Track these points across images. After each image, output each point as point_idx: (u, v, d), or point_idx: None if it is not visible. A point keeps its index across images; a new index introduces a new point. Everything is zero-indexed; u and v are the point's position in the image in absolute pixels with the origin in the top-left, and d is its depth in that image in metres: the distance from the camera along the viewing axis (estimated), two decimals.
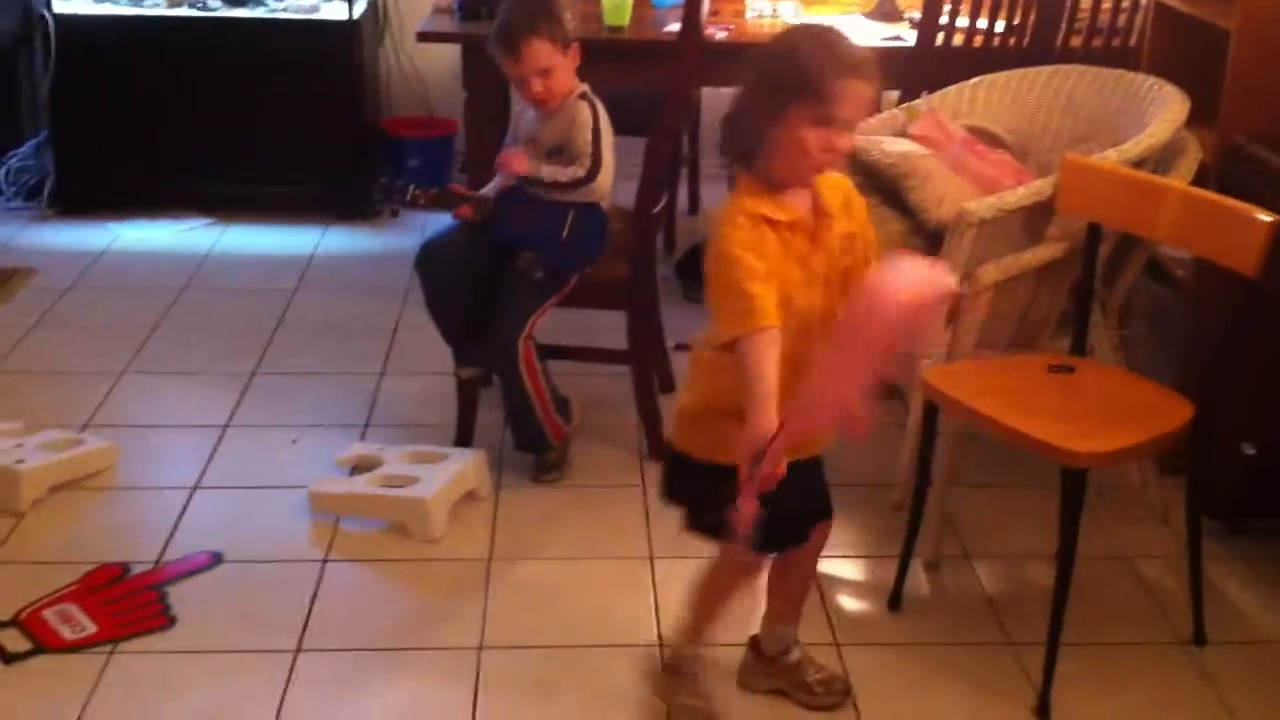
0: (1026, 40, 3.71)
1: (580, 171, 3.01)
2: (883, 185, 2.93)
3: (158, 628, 2.60)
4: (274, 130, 4.73)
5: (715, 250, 2.03)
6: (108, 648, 2.53)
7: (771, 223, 2.03)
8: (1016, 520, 3.04)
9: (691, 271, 4.32)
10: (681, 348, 3.95)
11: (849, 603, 2.76)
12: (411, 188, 3.11)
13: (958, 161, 2.92)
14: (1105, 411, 2.50)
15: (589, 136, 3.01)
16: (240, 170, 4.78)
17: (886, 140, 3.03)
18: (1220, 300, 2.92)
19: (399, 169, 4.96)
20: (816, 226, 2.07)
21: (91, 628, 2.58)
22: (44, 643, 2.54)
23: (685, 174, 5.00)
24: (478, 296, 3.10)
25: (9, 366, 3.70)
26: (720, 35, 3.84)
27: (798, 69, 1.97)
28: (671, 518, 2.29)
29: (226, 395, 3.54)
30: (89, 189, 4.80)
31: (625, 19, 3.83)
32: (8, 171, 4.90)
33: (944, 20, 3.70)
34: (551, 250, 3.05)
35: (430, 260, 3.15)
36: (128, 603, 2.66)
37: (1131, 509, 3.06)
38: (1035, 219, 2.78)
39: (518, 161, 3.05)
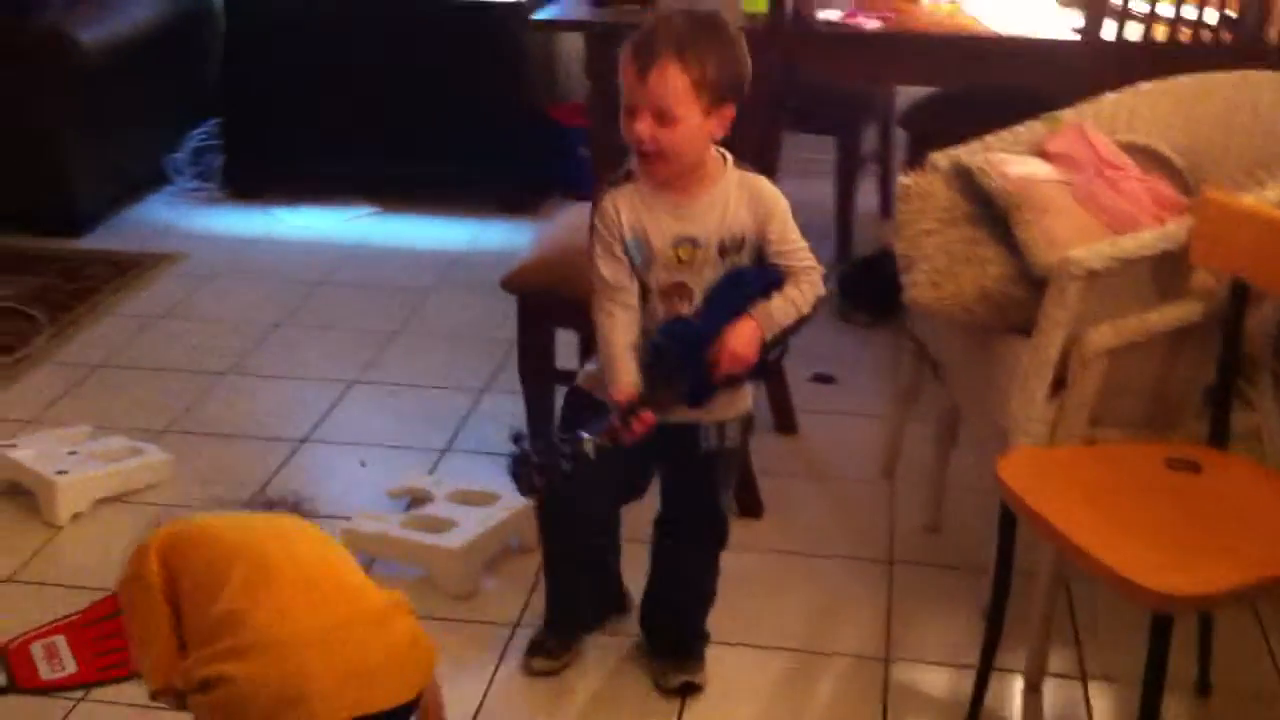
0: (1230, 35, 3.09)
1: (815, 278, 2.17)
2: (1000, 217, 2.44)
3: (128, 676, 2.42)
4: (440, 116, 4.54)
5: None
6: (79, 693, 2.37)
7: None
8: None
9: (856, 288, 3.86)
10: (822, 379, 3.54)
11: None
12: (585, 438, 2.04)
13: (1084, 191, 2.40)
14: (1221, 531, 1.97)
15: (790, 223, 2.16)
16: (405, 156, 4.61)
17: (1014, 160, 2.53)
18: None
19: (569, 164, 4.68)
20: None
21: (71, 668, 2.42)
22: (18, 680, 2.39)
23: (878, 174, 4.57)
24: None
25: (119, 361, 3.62)
26: (871, 25, 3.37)
27: None
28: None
29: (316, 405, 3.36)
30: (256, 172, 4.73)
31: (763, 3, 3.40)
32: (189, 152, 4.88)
33: (1135, 6, 3.10)
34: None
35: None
36: (117, 641, 2.49)
37: None
38: (1169, 270, 2.25)
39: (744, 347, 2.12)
